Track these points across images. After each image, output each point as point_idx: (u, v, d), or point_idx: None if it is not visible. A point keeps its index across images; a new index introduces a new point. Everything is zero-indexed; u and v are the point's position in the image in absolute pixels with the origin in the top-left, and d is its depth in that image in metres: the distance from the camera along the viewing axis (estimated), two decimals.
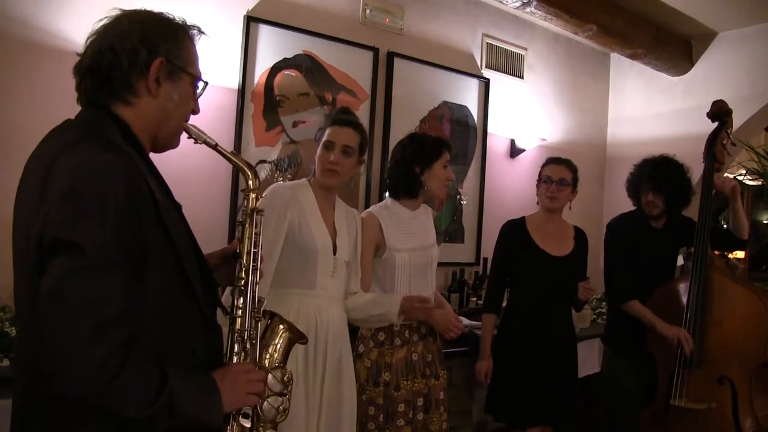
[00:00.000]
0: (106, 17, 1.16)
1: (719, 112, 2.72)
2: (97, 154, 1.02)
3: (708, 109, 2.76)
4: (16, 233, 1.09)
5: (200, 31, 1.25)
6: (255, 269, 1.28)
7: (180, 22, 1.21)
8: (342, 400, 2.03)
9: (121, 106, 1.14)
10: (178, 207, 1.18)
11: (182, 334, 1.12)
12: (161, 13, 1.20)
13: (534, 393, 2.57)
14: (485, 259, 3.77)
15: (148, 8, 1.21)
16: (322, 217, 2.07)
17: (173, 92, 1.18)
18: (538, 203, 2.75)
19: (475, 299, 3.64)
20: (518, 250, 2.68)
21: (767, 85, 3.99)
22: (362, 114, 3.32)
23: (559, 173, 2.67)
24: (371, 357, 2.29)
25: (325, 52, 3.23)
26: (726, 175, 4.25)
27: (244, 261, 1.28)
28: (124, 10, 1.18)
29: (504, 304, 2.79)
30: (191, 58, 1.21)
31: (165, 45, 1.15)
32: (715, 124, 2.74)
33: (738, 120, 3.54)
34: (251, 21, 2.97)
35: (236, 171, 2.94)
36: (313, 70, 3.20)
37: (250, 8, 2.99)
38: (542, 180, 2.71)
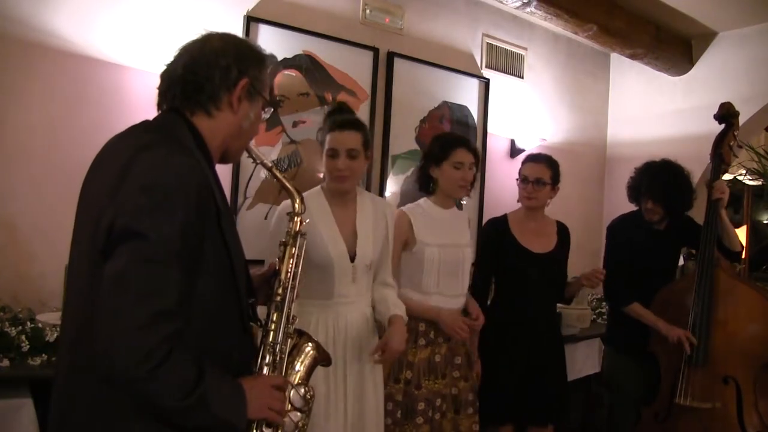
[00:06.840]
0: (193, 36, 1.25)
1: (726, 114, 2.73)
2: (176, 156, 1.10)
3: (708, 108, 2.77)
4: (83, 218, 1.16)
5: (275, 62, 1.35)
6: (293, 288, 1.36)
7: (262, 51, 1.30)
8: (365, 397, 2.03)
9: (201, 116, 1.21)
10: (233, 217, 1.24)
11: (223, 336, 1.17)
12: (247, 40, 1.29)
13: (514, 391, 2.53)
14: None
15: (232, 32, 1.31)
16: (337, 223, 2.05)
17: (251, 111, 1.27)
18: (518, 200, 2.71)
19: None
20: (501, 248, 2.65)
21: (767, 85, 3.99)
22: (362, 114, 3.31)
23: (536, 172, 2.62)
24: None
25: (325, 52, 3.22)
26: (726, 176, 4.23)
27: (283, 278, 1.35)
28: (211, 32, 1.26)
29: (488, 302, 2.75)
30: (266, 84, 1.31)
31: (252, 68, 1.25)
32: (722, 126, 2.74)
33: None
34: (251, 21, 2.96)
35: (236, 173, 2.94)
36: (313, 70, 3.19)
37: (250, 8, 2.98)
38: (520, 179, 2.68)
